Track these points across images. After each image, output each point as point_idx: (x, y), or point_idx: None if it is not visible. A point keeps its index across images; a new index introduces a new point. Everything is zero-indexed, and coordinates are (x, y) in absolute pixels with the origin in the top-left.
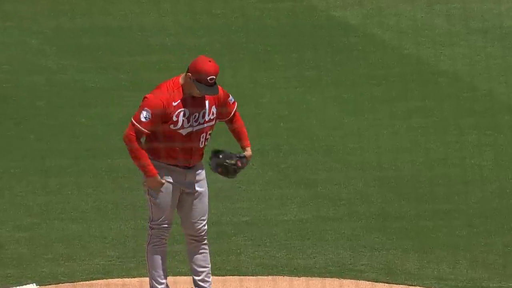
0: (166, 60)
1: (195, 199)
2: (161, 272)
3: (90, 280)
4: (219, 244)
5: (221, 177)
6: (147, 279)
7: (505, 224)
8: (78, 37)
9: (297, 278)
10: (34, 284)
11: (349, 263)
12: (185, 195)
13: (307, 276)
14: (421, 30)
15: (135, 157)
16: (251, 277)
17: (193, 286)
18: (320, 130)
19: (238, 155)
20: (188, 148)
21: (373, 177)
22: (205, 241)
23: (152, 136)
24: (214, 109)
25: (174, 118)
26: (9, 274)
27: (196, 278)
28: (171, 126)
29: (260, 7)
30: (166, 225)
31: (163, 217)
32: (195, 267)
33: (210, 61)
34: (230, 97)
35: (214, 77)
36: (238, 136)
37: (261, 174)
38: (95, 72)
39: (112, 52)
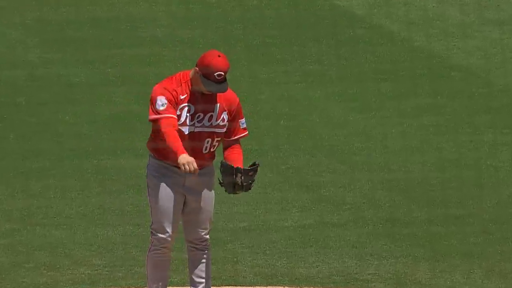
0: (157, 53)
1: (197, 205)
2: (159, 284)
3: None
4: (214, 252)
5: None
6: None
7: None
8: (63, 28)
9: None
10: None
11: (354, 272)
12: (188, 199)
13: (309, 287)
14: (432, 21)
15: (168, 145)
16: (249, 287)
17: None
18: (323, 129)
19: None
20: (189, 149)
21: (380, 179)
22: (206, 251)
23: (156, 133)
24: (225, 116)
25: (178, 112)
26: None
27: None
28: None
29: None
30: (168, 232)
31: (164, 223)
32: (194, 277)
33: (220, 56)
34: (243, 120)
35: (223, 73)
36: (230, 159)
37: (260, 176)
38: (80, 66)
39: (99, 44)
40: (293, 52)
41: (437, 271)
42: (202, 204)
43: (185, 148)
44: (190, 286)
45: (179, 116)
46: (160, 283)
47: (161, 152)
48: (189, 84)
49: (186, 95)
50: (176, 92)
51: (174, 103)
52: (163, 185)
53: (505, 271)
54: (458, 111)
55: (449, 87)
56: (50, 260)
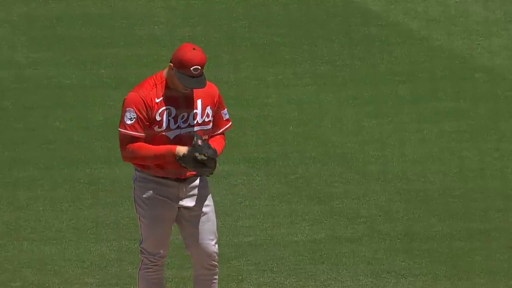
0: (155, 53)
1: (198, 216)
2: None
3: None
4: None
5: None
6: None
7: None
8: (52, 26)
9: None
10: None
11: None
12: (184, 212)
13: None
14: (454, 18)
15: (143, 157)
16: None
17: None
18: (335, 136)
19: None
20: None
21: (397, 190)
22: (216, 269)
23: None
24: (209, 111)
25: (158, 118)
26: None
27: None
28: (156, 128)
29: None
30: (159, 253)
31: (154, 243)
32: None
33: (194, 49)
34: (225, 110)
35: (199, 67)
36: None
37: (267, 186)
38: (72, 66)
39: (92, 43)
40: (303, 52)
41: None
42: (203, 213)
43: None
44: None
45: (159, 122)
46: None
47: (144, 164)
48: (164, 85)
49: (162, 97)
50: (150, 97)
51: (146, 113)
52: (152, 201)
53: None
54: (482, 116)
55: (473, 90)
56: (39, 279)
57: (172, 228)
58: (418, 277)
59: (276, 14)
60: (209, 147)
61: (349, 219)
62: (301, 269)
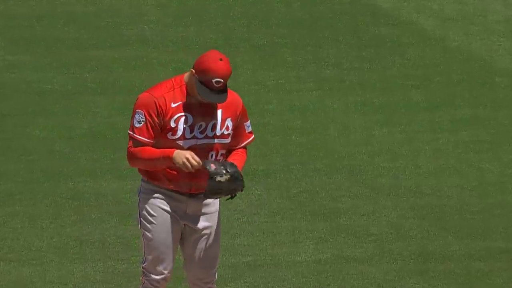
0: (145, 55)
1: (201, 238)
2: None
3: None
4: None
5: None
6: None
7: None
8: (32, 25)
9: None
10: None
11: None
12: (188, 230)
13: None
14: (472, 17)
15: (143, 161)
16: None
17: None
18: (342, 146)
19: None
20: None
21: (411, 205)
22: None
23: None
24: (229, 123)
25: (173, 124)
26: None
27: None
28: (169, 135)
29: None
30: (163, 273)
31: (159, 263)
32: None
33: (221, 60)
34: (249, 122)
35: (222, 80)
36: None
37: (267, 201)
38: (53, 70)
39: (76, 45)
40: (306, 54)
41: None
42: (208, 235)
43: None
44: None
45: (174, 129)
46: None
47: (155, 175)
48: (184, 89)
49: (180, 102)
50: (165, 100)
51: (157, 117)
52: (159, 216)
53: None
54: (504, 125)
55: (493, 96)
56: None
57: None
58: None
59: (277, 12)
60: (224, 163)
61: (358, 238)
62: None
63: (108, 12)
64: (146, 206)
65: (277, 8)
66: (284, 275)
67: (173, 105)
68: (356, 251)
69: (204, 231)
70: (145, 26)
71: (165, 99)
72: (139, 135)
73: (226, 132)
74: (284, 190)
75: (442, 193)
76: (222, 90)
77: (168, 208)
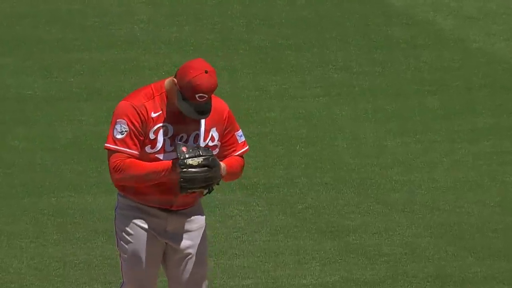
0: (135, 57)
1: (185, 258)
2: None
3: None
4: None
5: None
6: None
7: None
8: (11, 25)
9: None
10: None
11: None
12: (170, 249)
13: None
14: (495, 16)
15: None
16: None
17: None
18: (351, 157)
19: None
20: (169, 183)
21: (427, 223)
22: None
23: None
24: (214, 133)
25: (152, 136)
26: None
27: None
28: (147, 148)
29: None
30: None
31: (137, 283)
32: None
33: (207, 72)
34: (240, 132)
35: (206, 96)
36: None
37: (269, 218)
38: (35, 74)
39: (60, 46)
40: (312, 57)
41: None
42: (191, 255)
43: (166, 183)
44: None
45: (153, 142)
46: None
47: (133, 189)
48: (164, 97)
49: (160, 111)
50: (146, 109)
51: (140, 127)
52: (136, 235)
53: None
54: None
55: None
56: None
57: (160, 267)
58: None
59: (280, 11)
60: (198, 146)
61: (368, 258)
62: None
63: (95, 10)
64: (122, 224)
65: (280, 6)
66: None
67: (154, 115)
68: (367, 273)
69: (187, 251)
70: (135, 26)
71: (146, 108)
72: (124, 147)
73: (211, 144)
74: (288, 205)
75: (461, 210)
76: (206, 104)
77: (146, 226)
